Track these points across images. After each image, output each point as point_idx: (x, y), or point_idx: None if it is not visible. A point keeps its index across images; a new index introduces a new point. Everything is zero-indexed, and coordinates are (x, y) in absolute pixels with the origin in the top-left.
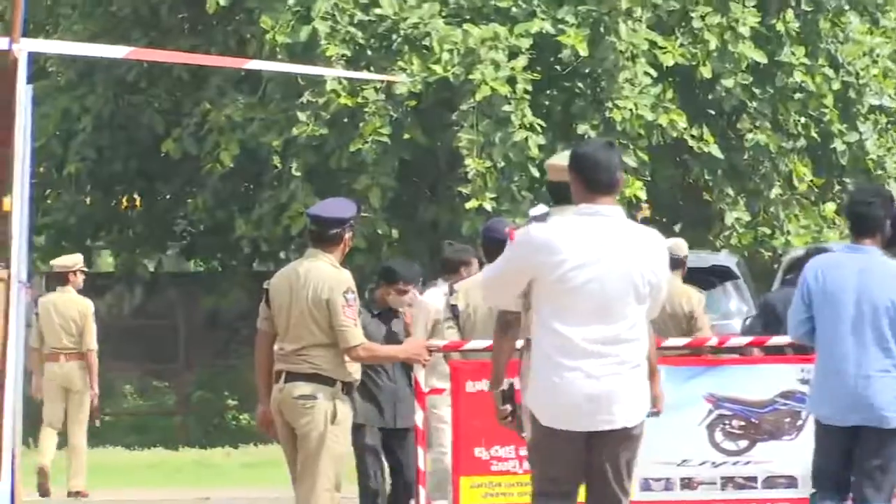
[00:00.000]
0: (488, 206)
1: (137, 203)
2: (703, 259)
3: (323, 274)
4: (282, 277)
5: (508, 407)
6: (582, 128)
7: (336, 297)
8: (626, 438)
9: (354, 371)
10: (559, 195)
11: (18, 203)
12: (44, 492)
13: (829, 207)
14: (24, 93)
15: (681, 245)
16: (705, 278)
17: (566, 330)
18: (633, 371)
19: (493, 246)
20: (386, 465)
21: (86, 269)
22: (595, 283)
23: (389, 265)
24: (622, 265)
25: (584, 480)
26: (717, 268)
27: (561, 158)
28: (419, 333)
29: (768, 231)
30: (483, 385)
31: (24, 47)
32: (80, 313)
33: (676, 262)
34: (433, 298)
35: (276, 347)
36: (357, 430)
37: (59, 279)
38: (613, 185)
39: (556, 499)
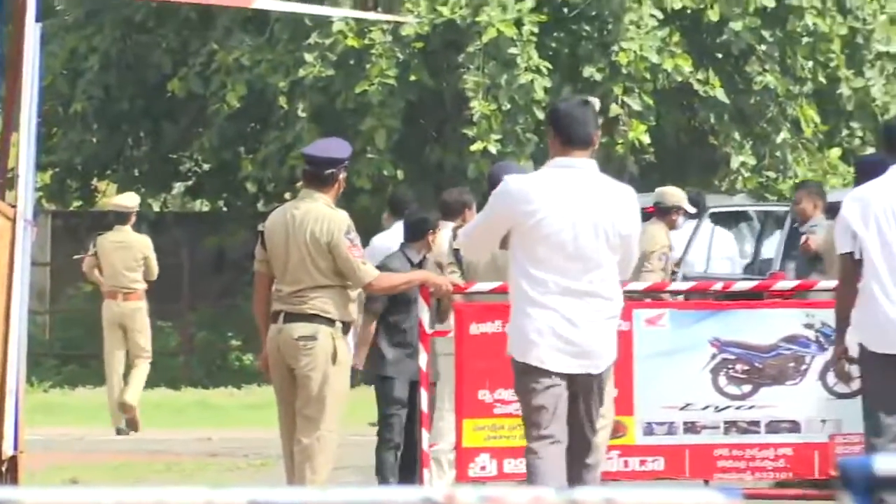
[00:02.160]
0: (493, 148)
1: (143, 142)
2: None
3: (320, 216)
4: (277, 219)
5: None
6: (588, 70)
7: (338, 239)
8: (595, 383)
9: (354, 311)
10: None
11: (25, 141)
12: (133, 425)
13: (834, 153)
14: (32, 31)
15: (665, 192)
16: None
17: (542, 276)
18: (608, 322)
19: None
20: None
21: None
22: (568, 232)
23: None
24: (594, 215)
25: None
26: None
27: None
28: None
29: (774, 175)
30: (487, 327)
31: None
32: (142, 252)
33: (662, 211)
34: (440, 241)
35: (273, 288)
36: (386, 381)
37: (118, 218)
38: (588, 141)
39: (542, 437)
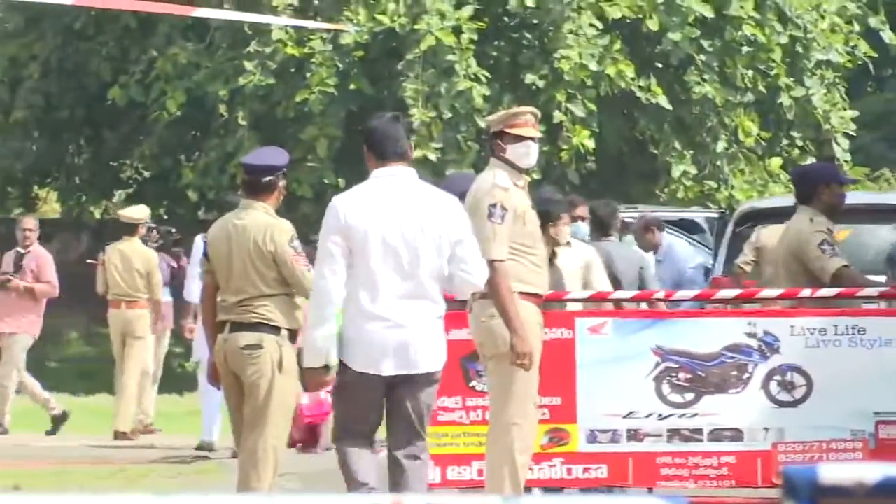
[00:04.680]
0: (433, 156)
1: (84, 150)
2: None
3: (262, 225)
4: (220, 230)
5: None
6: (530, 78)
7: (283, 248)
8: (427, 383)
9: (300, 318)
10: None
11: None
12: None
13: (775, 162)
14: None
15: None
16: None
17: (376, 281)
18: (437, 321)
19: None
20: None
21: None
22: (397, 238)
23: None
24: (419, 219)
25: (387, 422)
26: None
27: None
28: None
29: (714, 185)
30: None
31: None
32: (145, 264)
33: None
34: None
35: (218, 299)
36: None
37: (127, 229)
38: (401, 153)
39: (355, 437)
